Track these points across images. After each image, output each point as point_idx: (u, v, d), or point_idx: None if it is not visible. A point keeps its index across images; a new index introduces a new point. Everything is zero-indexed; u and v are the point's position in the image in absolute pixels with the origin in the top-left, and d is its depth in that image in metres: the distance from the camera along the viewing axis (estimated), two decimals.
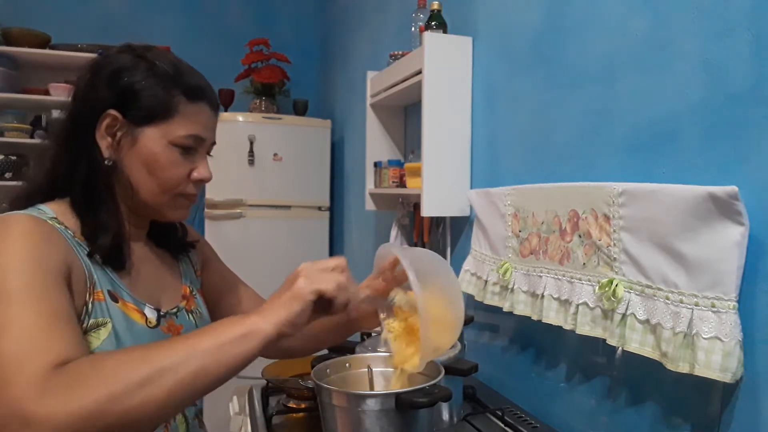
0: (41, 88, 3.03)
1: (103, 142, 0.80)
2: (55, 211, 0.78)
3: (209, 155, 0.90)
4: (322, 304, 0.73)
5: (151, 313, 0.84)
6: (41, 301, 0.66)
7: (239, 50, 3.26)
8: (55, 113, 3.02)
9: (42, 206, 0.79)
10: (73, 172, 0.80)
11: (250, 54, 3.23)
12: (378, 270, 0.90)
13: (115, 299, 0.79)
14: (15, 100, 2.97)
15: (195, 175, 0.85)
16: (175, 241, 0.98)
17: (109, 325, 0.76)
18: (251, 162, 2.99)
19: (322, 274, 0.73)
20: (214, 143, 0.89)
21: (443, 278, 0.85)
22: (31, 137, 2.99)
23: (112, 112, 0.79)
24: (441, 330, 0.83)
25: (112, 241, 0.79)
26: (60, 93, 2.98)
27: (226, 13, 3.60)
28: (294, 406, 1.28)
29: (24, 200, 0.81)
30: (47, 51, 3.00)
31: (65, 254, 0.73)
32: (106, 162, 0.80)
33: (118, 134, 0.80)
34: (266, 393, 1.38)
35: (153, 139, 0.80)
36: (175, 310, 0.90)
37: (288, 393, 1.32)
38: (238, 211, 2.96)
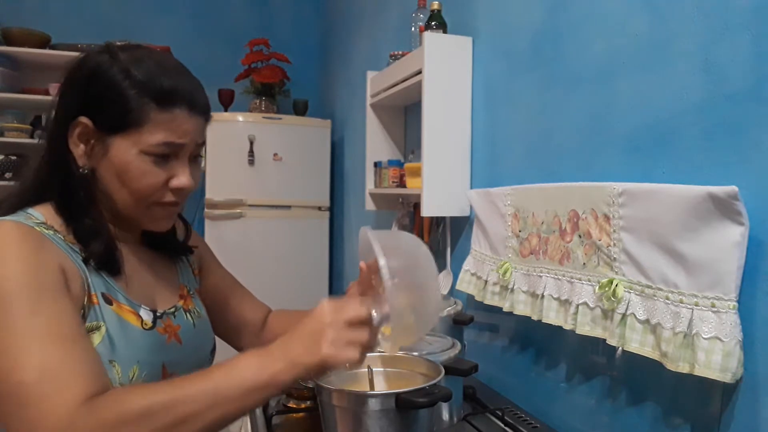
0: (41, 88, 3.04)
1: (77, 150, 0.78)
2: (45, 215, 0.77)
3: (201, 156, 0.86)
4: None
5: (146, 315, 0.83)
6: (51, 323, 0.66)
7: (239, 50, 3.26)
8: None
9: (31, 210, 0.78)
10: (51, 179, 0.79)
11: (250, 54, 3.23)
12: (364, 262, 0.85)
13: (109, 302, 0.78)
14: (15, 100, 2.97)
15: (174, 183, 0.80)
16: (173, 244, 0.97)
17: (103, 329, 0.75)
18: (251, 162, 2.99)
19: (348, 338, 0.69)
20: (201, 145, 0.84)
21: (420, 270, 0.79)
22: (31, 137, 2.99)
23: (83, 119, 0.77)
24: (413, 323, 0.80)
25: (104, 248, 0.78)
26: None
27: (226, 13, 3.60)
28: (294, 406, 1.28)
29: (15, 202, 0.79)
30: (47, 51, 3.00)
31: (59, 262, 0.73)
32: (81, 170, 0.79)
33: (91, 142, 0.78)
34: None
35: (123, 148, 0.77)
36: (172, 309, 0.90)
37: (288, 393, 1.31)
38: (238, 211, 2.97)
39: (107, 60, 0.78)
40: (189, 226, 1.01)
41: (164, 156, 0.79)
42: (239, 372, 0.67)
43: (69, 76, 0.80)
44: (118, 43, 0.81)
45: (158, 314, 0.86)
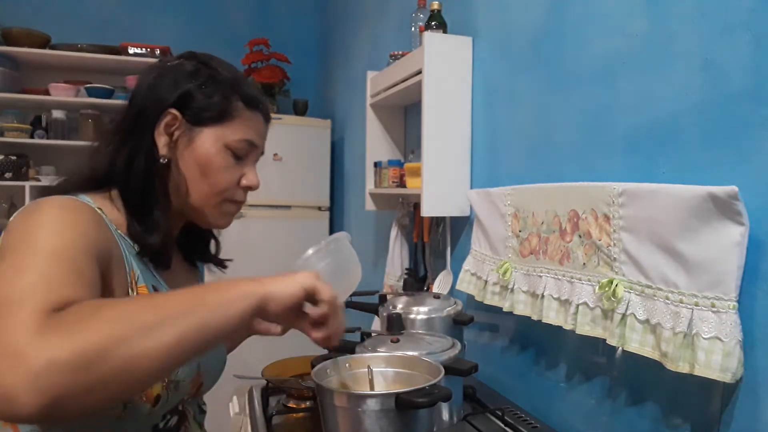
0: (41, 88, 3.03)
1: (161, 140, 0.81)
2: (96, 202, 0.78)
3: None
4: (300, 311, 0.72)
5: None
6: (67, 257, 0.62)
7: (239, 50, 3.26)
8: (55, 113, 3.02)
9: (83, 196, 0.78)
10: (131, 167, 0.81)
11: (250, 54, 3.23)
12: None
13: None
14: (15, 100, 2.97)
15: (244, 181, 0.86)
16: (207, 255, 1.00)
17: None
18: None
19: (325, 285, 0.71)
20: (262, 153, 0.90)
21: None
22: (31, 137, 2.99)
23: (173, 111, 0.80)
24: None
25: (161, 242, 0.80)
26: (60, 93, 2.98)
27: (226, 13, 3.60)
28: (294, 406, 1.28)
29: (69, 186, 0.80)
30: (47, 51, 3.00)
31: (107, 240, 0.73)
32: (161, 160, 0.81)
33: (176, 133, 0.81)
34: (266, 393, 1.38)
35: (209, 140, 0.81)
36: None
37: (288, 393, 1.32)
38: None
39: (195, 64, 0.84)
40: (219, 244, 1.03)
41: (241, 154, 0.84)
42: (216, 286, 0.64)
43: (159, 74, 0.83)
44: (203, 54, 0.87)
45: None
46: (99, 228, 0.72)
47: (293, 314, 0.72)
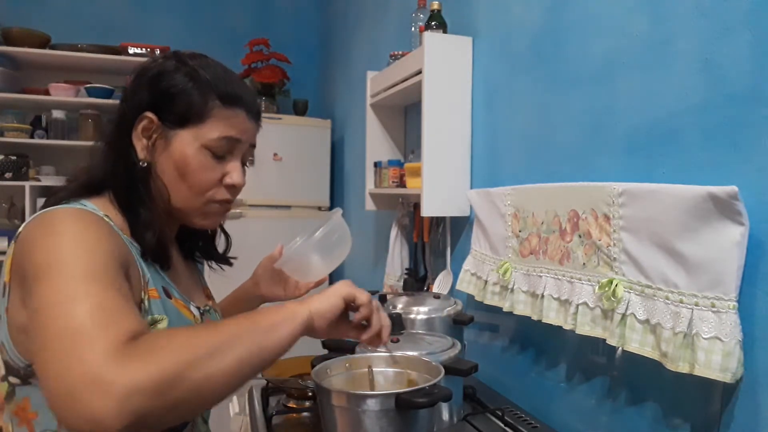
0: (41, 88, 3.04)
1: (139, 144, 0.81)
2: (100, 208, 0.78)
3: (248, 165, 0.91)
4: (345, 315, 0.79)
5: (195, 310, 0.86)
6: (108, 280, 0.65)
7: (239, 50, 3.26)
8: (56, 113, 3.02)
9: (85, 202, 0.78)
10: (113, 172, 0.81)
11: (250, 54, 3.23)
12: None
13: (168, 296, 0.81)
14: (15, 100, 2.97)
15: (227, 180, 0.85)
16: (210, 252, 1.01)
17: (165, 322, 0.77)
18: (251, 162, 2.98)
19: (359, 289, 0.79)
20: (253, 146, 0.89)
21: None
22: (31, 137, 2.99)
23: (149, 114, 0.80)
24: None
25: (157, 241, 0.80)
26: (60, 93, 2.98)
27: (226, 13, 3.60)
28: (294, 406, 1.28)
29: (68, 194, 0.80)
30: (47, 51, 3.00)
31: (124, 249, 0.74)
32: (141, 164, 0.81)
33: (154, 136, 0.81)
34: (266, 393, 1.38)
35: (185, 142, 0.81)
36: (207, 308, 0.93)
37: (288, 393, 1.32)
38: (238, 211, 2.96)
39: (175, 63, 0.83)
40: (230, 239, 1.05)
41: (222, 153, 0.83)
42: (266, 311, 0.71)
43: (137, 76, 0.83)
44: (186, 52, 0.86)
45: (201, 310, 0.89)
46: (116, 239, 0.73)
47: (339, 325, 0.79)
